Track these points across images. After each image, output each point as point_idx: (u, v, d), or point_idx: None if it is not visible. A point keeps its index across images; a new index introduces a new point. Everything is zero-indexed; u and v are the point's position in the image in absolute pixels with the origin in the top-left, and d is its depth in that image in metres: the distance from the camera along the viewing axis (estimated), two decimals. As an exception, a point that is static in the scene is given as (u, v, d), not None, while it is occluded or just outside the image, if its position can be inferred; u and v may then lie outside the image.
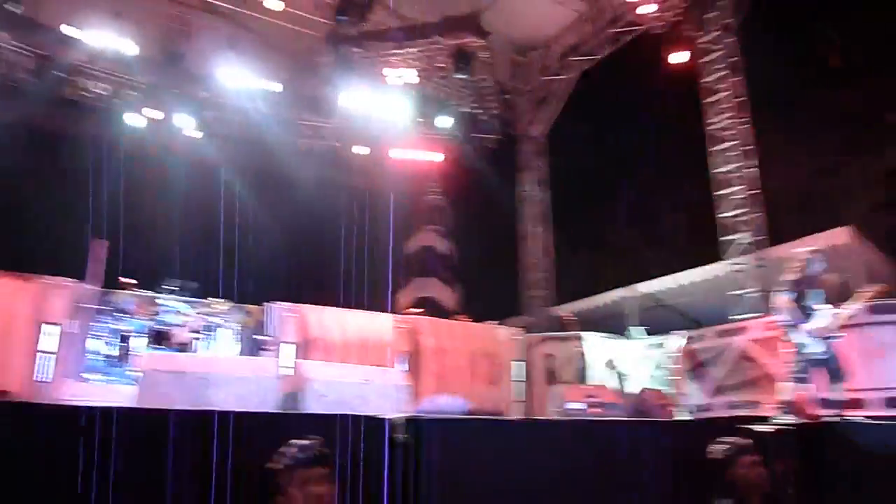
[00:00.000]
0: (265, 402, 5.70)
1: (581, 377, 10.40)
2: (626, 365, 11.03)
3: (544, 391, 10.81)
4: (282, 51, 14.85)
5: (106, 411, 3.23)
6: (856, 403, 7.32)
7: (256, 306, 10.55)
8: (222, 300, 10.11)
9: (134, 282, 9.97)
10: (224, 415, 3.49)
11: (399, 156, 15.83)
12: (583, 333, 11.27)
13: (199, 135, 14.14)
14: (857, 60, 11.95)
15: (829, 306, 6.44)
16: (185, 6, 13.48)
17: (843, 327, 6.49)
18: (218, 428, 3.42)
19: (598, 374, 10.86)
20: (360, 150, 15.50)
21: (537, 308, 15.51)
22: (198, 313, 9.78)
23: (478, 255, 16.19)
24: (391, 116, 14.73)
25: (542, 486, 4.09)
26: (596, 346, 11.12)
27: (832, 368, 6.38)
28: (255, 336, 9.70)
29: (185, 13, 13.47)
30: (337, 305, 10.31)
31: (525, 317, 15.44)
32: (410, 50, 13.39)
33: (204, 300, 10.19)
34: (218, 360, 7.47)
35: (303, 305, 9.62)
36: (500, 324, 11.67)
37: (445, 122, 15.37)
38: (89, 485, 3.06)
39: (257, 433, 3.59)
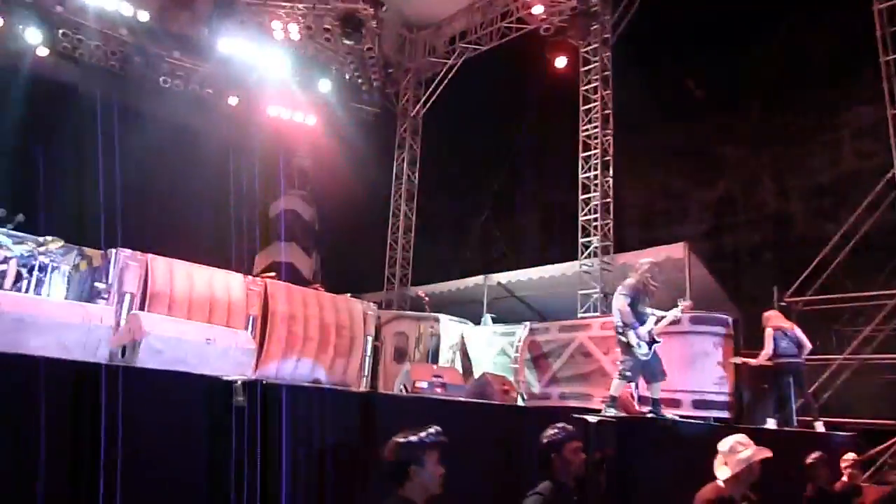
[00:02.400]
0: (93, 353, 5.24)
1: (430, 357, 10.58)
2: (473, 349, 11.38)
3: (392, 368, 10.89)
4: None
5: None
6: (672, 403, 8.07)
7: (95, 250, 9.68)
8: (55, 238, 9.13)
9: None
10: (41, 361, 3.16)
11: (273, 113, 15.19)
12: (437, 315, 11.47)
13: (46, 53, 12.70)
14: (709, 95, 13.07)
15: (655, 313, 7.04)
16: None
17: (665, 334, 7.14)
18: (30, 375, 3.09)
19: (446, 356, 11.11)
20: (232, 100, 14.68)
21: (395, 286, 15.59)
22: (24, 248, 8.78)
23: (341, 225, 15.96)
24: (269, 71, 14.08)
25: (376, 459, 4.11)
26: (448, 329, 11.36)
27: (653, 370, 6.99)
28: (95, 283, 8.88)
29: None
30: (187, 259, 9.69)
31: (381, 293, 15.47)
32: (298, 6, 12.82)
33: (34, 236, 9.17)
34: (41, 301, 6.75)
35: (149, 255, 8.97)
36: (355, 297, 11.58)
37: (325, 85, 14.94)
38: None
39: (80, 385, 3.29)
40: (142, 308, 8.46)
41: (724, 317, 9.25)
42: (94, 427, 3.24)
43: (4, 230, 8.68)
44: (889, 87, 9.78)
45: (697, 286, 10.66)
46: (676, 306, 7.17)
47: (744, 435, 4.11)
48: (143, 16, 12.84)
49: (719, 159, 14.06)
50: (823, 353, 10.11)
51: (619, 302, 6.86)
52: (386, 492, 3.00)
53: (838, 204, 12.19)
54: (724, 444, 4.05)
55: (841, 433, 7.92)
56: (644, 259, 7.44)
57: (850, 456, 6.25)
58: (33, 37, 12.38)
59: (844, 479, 6.03)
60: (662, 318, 6.99)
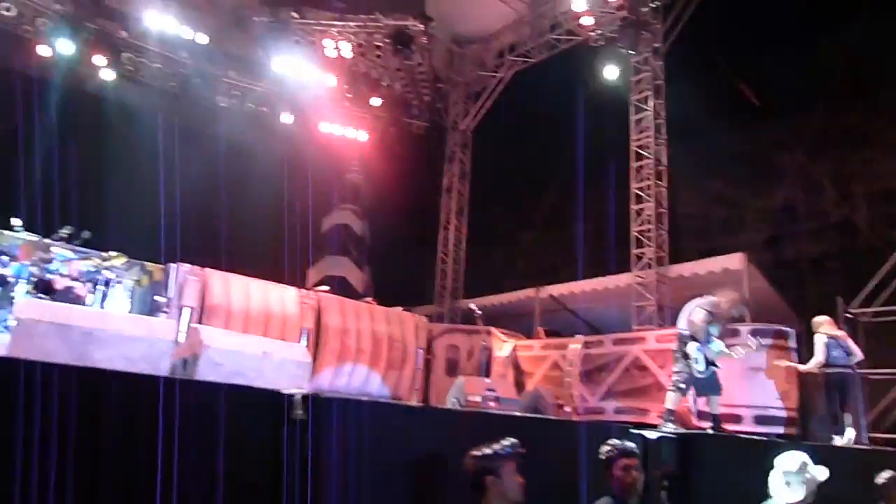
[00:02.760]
0: (156, 365, 5.38)
1: (482, 371, 10.52)
2: (525, 363, 11.26)
3: (444, 382, 10.86)
4: (212, 3, 14.16)
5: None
6: (733, 418, 7.80)
7: (156, 265, 10.00)
8: (119, 254, 9.48)
9: (19, 222, 9.20)
10: (108, 374, 3.25)
11: (325, 129, 15.47)
12: (488, 328, 11.41)
13: (112, 76, 13.26)
14: (766, 100, 12.67)
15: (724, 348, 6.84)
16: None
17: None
18: (98, 387, 3.18)
19: (498, 370, 11.03)
20: (286, 117, 15.02)
21: (446, 299, 15.59)
22: (90, 264, 9.14)
23: (393, 239, 16.08)
24: (321, 88, 14.36)
25: (438, 472, 4.08)
26: (499, 342, 11.28)
27: (710, 384, 6.79)
28: (155, 297, 9.18)
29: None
30: (243, 273, 9.91)
31: (433, 306, 15.49)
32: (349, 24, 13.05)
33: (99, 251, 9.54)
34: (107, 315, 7.00)
35: (207, 269, 9.21)
36: (407, 310, 11.62)
37: (376, 101, 15.14)
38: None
39: (144, 398, 3.37)
40: (200, 321, 8.67)
41: (787, 329, 8.92)
42: (151, 440, 3.31)
43: (71, 247, 9.04)
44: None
45: (757, 298, 10.32)
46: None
47: (804, 453, 3.93)
48: (202, 38, 13.29)
49: (778, 166, 13.61)
50: (894, 367, 9.63)
51: (699, 315, 6.70)
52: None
53: (907, 211, 11.65)
54: (789, 463, 3.90)
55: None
56: (730, 291, 7.18)
57: None
58: (99, 61, 12.94)
59: None
60: (727, 352, 6.80)
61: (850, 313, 9.92)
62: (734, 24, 12.41)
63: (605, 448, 3.70)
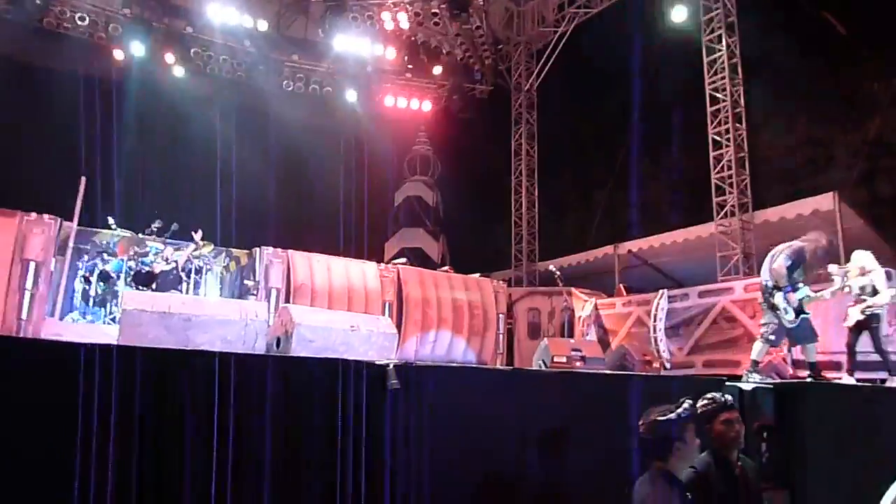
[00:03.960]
0: (251, 346, 5.68)
1: (565, 332, 10.51)
2: (608, 321, 11.18)
3: (527, 345, 10.94)
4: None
5: (105, 349, 3.19)
6: (833, 365, 7.52)
7: (242, 251, 10.46)
8: (207, 242, 9.98)
9: (112, 221, 9.81)
10: (222, 356, 3.48)
11: (389, 103, 15.59)
12: (568, 289, 11.36)
13: (182, 72, 13.78)
14: (851, 28, 11.82)
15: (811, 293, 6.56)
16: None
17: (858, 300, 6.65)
18: (214, 369, 3.41)
19: (581, 330, 11.00)
20: (350, 95, 15.22)
21: (523, 262, 15.58)
22: (182, 254, 9.66)
23: (466, 206, 16.14)
24: (383, 62, 14.44)
25: (530, 433, 4.18)
26: (581, 302, 11.23)
27: (803, 333, 6.52)
28: (244, 280, 9.64)
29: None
30: (323, 252, 10.24)
31: (510, 270, 15.52)
32: (405, -6, 13.04)
33: (188, 242, 10.07)
34: (203, 301, 7.40)
35: (290, 251, 9.56)
36: (485, 276, 11.71)
37: (437, 70, 15.10)
38: (88, 423, 3.05)
39: (251, 375, 3.60)
40: (287, 301, 9.04)
41: (888, 270, 8.45)
42: (259, 414, 3.52)
43: (163, 239, 9.56)
44: None
45: (852, 239, 9.80)
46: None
47: None
48: (262, 25, 13.59)
49: (867, 97, 12.74)
50: None
51: (779, 261, 6.42)
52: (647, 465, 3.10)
53: None
54: None
55: None
56: (815, 234, 6.85)
57: None
58: (170, 58, 13.46)
59: None
60: (816, 296, 6.52)
61: (958, 247, 9.31)
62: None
63: (702, 402, 3.59)
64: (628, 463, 4.75)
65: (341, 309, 9.22)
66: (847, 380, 6.97)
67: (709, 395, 3.68)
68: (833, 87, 13.36)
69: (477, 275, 11.60)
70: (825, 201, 10.15)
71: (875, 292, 6.72)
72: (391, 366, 3.65)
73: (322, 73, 14.90)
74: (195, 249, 9.81)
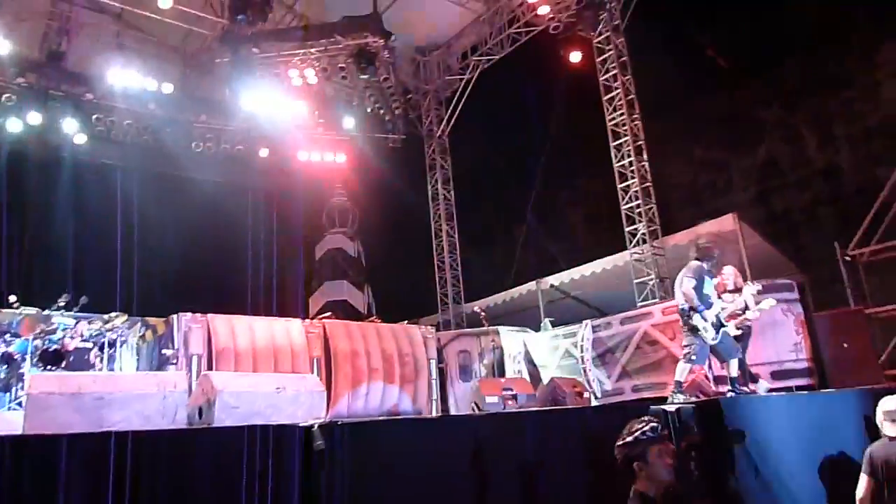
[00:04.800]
0: (172, 419, 5.41)
1: (496, 371, 10.54)
2: (538, 356, 11.29)
3: (460, 387, 10.89)
4: (173, 51, 14.24)
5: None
6: (751, 378, 7.83)
7: (159, 319, 10.03)
8: (119, 313, 9.51)
9: (15, 299, 9.22)
10: (124, 435, 3.28)
11: (304, 158, 15.51)
12: (496, 328, 11.44)
13: (84, 139, 13.29)
14: (736, 58, 12.74)
15: (724, 300, 6.89)
16: (64, 2, 12.60)
17: (732, 315, 6.98)
18: (119, 450, 3.20)
19: (512, 367, 11.05)
20: (263, 152, 15.06)
21: (449, 305, 15.61)
22: (93, 328, 9.16)
23: (388, 254, 16.13)
24: (293, 118, 14.41)
25: (463, 480, 4.12)
26: (509, 340, 11.31)
27: (725, 349, 6.80)
28: (162, 350, 9.20)
29: (66, 10, 12.59)
30: (245, 313, 9.96)
31: (437, 315, 15.52)
32: (311, 50, 13.10)
33: (100, 315, 9.56)
34: (117, 377, 7.02)
35: (209, 315, 9.23)
36: (412, 323, 11.65)
37: (349, 122, 15.20)
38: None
39: (165, 452, 3.40)
40: (209, 367, 8.69)
41: (789, 282, 8.98)
42: (180, 492, 3.33)
43: (71, 314, 9.05)
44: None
45: (755, 255, 10.38)
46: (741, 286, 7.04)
47: None
48: (167, 87, 13.33)
49: (757, 122, 13.71)
50: (898, 303, 9.70)
51: (685, 285, 6.70)
52: None
53: (888, 146, 11.74)
54: (888, 404, 4.65)
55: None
56: (702, 240, 7.28)
57: None
58: (70, 126, 12.97)
59: None
60: (727, 306, 6.83)
61: (848, 256, 9.99)
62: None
63: (629, 438, 3.30)
64: (572, 497, 4.75)
65: (267, 370, 8.94)
66: (762, 390, 7.29)
67: (640, 421, 3.68)
68: (724, 115, 14.31)
69: (405, 322, 11.53)
70: (727, 222, 10.71)
71: (746, 307, 7.13)
72: (315, 427, 3.54)
73: (232, 132, 14.70)
74: (108, 322, 9.32)
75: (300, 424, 3.67)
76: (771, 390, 7.66)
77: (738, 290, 7.26)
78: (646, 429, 3.16)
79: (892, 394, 4.94)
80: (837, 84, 12.91)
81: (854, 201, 11.82)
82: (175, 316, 9.13)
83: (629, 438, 3.10)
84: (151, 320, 10.24)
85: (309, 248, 16.35)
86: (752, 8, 12.47)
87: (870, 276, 10.10)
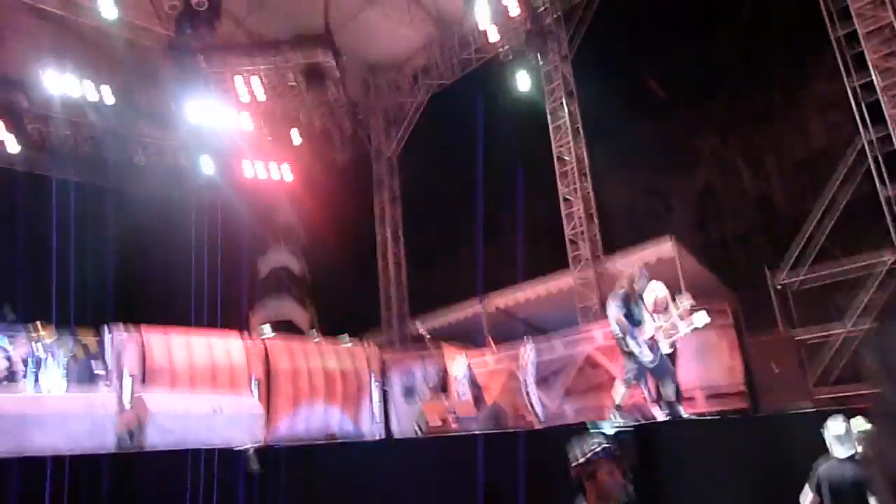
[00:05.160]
0: (100, 441, 5.17)
1: (440, 392, 10.50)
2: (481, 377, 11.29)
3: (404, 409, 10.78)
4: (116, 60, 13.85)
5: None
6: (686, 400, 8.01)
7: (90, 334, 9.60)
8: (47, 329, 9.04)
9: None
10: (50, 459, 3.11)
11: (249, 173, 15.26)
12: (440, 348, 11.41)
13: (18, 149, 12.75)
14: (676, 89, 13.20)
15: (655, 317, 7.02)
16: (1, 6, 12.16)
17: (667, 335, 7.11)
18: (41, 472, 3.03)
19: (455, 388, 11.01)
20: (207, 166, 14.73)
21: (394, 325, 15.52)
22: (20, 345, 8.69)
23: (333, 272, 15.94)
24: (239, 132, 14.19)
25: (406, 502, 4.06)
26: (453, 360, 11.29)
27: (662, 371, 6.93)
28: (93, 368, 8.80)
29: (2, 15, 12.14)
30: (183, 328, 9.62)
31: (382, 334, 15.39)
32: (259, 65, 12.97)
33: (27, 330, 9.08)
34: (42, 397, 6.69)
35: (144, 331, 8.90)
36: (357, 342, 11.51)
37: (296, 139, 15.07)
38: None
39: (91, 476, 3.24)
40: (143, 384, 8.36)
41: (723, 306, 9.27)
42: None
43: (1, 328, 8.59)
44: (844, 61, 9.98)
45: (691, 280, 10.68)
46: (672, 307, 7.16)
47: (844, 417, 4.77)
48: (109, 98, 12.95)
49: (694, 152, 14.20)
50: (826, 328, 10.13)
51: (613, 312, 6.84)
52: None
53: (816, 178, 12.32)
54: (836, 428, 4.83)
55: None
56: (631, 267, 7.46)
57: None
58: (3, 134, 12.44)
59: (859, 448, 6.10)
60: (660, 325, 6.95)
61: (779, 284, 10.41)
62: (635, 22, 12.94)
63: (577, 450, 3.57)
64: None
65: (205, 389, 8.65)
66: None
67: (588, 443, 3.70)
68: (663, 144, 14.78)
69: (347, 339, 11.38)
70: (666, 247, 11.01)
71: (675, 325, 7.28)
72: (251, 450, 3.44)
73: (176, 145, 14.36)
74: (35, 339, 8.86)
75: (235, 448, 3.56)
76: (704, 413, 7.85)
77: (664, 309, 7.29)
78: (596, 448, 3.20)
79: (842, 415, 5.12)
80: (768, 118, 13.53)
81: (785, 231, 12.33)
82: (107, 331, 8.76)
83: (581, 459, 3.14)
84: (82, 337, 9.80)
85: (252, 264, 16.03)
86: (686, 41, 12.98)
87: (798, 302, 10.53)
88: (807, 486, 5.09)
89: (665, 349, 6.92)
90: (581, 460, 3.15)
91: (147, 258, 14.07)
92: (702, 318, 7.09)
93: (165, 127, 13.99)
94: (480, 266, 15.71)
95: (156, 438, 5.04)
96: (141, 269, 13.89)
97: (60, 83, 12.21)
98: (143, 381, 8.57)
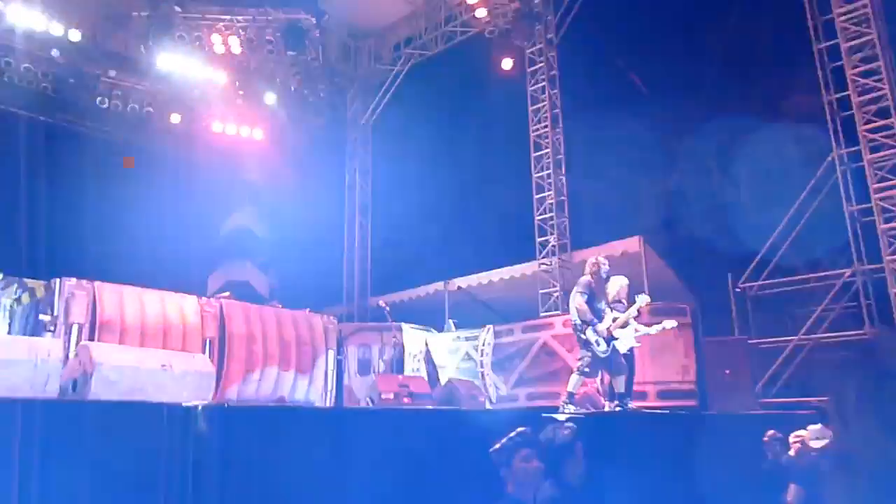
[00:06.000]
0: (41, 389, 5.09)
1: (395, 368, 10.56)
2: (438, 356, 11.39)
3: (358, 382, 10.83)
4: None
5: None
6: (638, 395, 8.22)
7: (38, 281, 9.38)
8: (-10, 268, 8.82)
9: None
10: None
11: (218, 129, 14.97)
12: (399, 324, 11.45)
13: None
14: (657, 87, 13.33)
15: (613, 311, 7.16)
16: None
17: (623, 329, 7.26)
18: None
19: (411, 366, 11.10)
20: (174, 117, 14.40)
21: (355, 297, 15.50)
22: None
23: (298, 239, 15.79)
24: (211, 86, 13.89)
25: (350, 474, 4.10)
26: (411, 338, 11.35)
27: (614, 364, 7.09)
28: (39, 315, 8.61)
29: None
30: (138, 285, 9.45)
31: (342, 306, 15.36)
32: (237, 18, 12.67)
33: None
34: (-16, 340, 6.53)
35: (96, 283, 8.73)
36: (315, 312, 11.46)
37: (270, 98, 14.82)
38: None
39: (35, 422, 3.20)
40: (91, 339, 8.22)
41: (683, 306, 9.49)
42: (44, 464, 3.14)
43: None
44: (823, 75, 10.20)
45: (654, 278, 10.91)
46: (634, 303, 7.30)
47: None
48: (75, 35, 12.51)
49: (670, 151, 14.39)
50: (780, 336, 10.46)
51: (577, 300, 6.97)
52: None
53: (785, 188, 12.62)
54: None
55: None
56: (592, 257, 7.59)
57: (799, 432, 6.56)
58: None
59: (791, 452, 6.40)
60: (618, 316, 7.09)
61: (739, 288, 10.68)
62: (623, 14, 13.00)
63: (507, 437, 3.49)
64: (457, 496, 4.81)
65: (155, 347, 8.55)
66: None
67: (517, 432, 3.76)
68: (640, 139, 14.94)
69: (307, 310, 11.33)
70: (632, 244, 11.20)
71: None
72: (200, 407, 3.43)
73: (143, 92, 13.98)
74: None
75: (184, 404, 3.54)
76: (655, 408, 8.06)
77: (623, 299, 7.48)
78: (513, 435, 3.25)
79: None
80: (745, 124, 13.77)
81: (750, 237, 12.65)
82: (57, 280, 8.58)
83: (497, 445, 3.20)
84: (30, 282, 9.55)
85: (214, 223, 15.78)
86: (672, 40, 13.10)
87: (756, 308, 10.83)
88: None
89: (631, 344, 7.07)
90: (497, 446, 3.20)
91: (104, 207, 13.70)
92: (670, 324, 7.35)
93: (133, 72, 13.60)
94: (446, 246, 15.77)
95: (101, 390, 4.97)
96: (97, 217, 13.53)
97: (23, 14, 11.76)
98: (92, 332, 8.43)
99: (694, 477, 6.14)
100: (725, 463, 6.30)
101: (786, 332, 10.74)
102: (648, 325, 7.30)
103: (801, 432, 6.57)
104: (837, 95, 10.13)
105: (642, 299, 7.24)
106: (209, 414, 3.44)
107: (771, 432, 6.30)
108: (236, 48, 13.06)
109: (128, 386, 5.18)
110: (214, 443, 3.42)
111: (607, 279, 7.28)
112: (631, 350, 7.19)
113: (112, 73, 13.59)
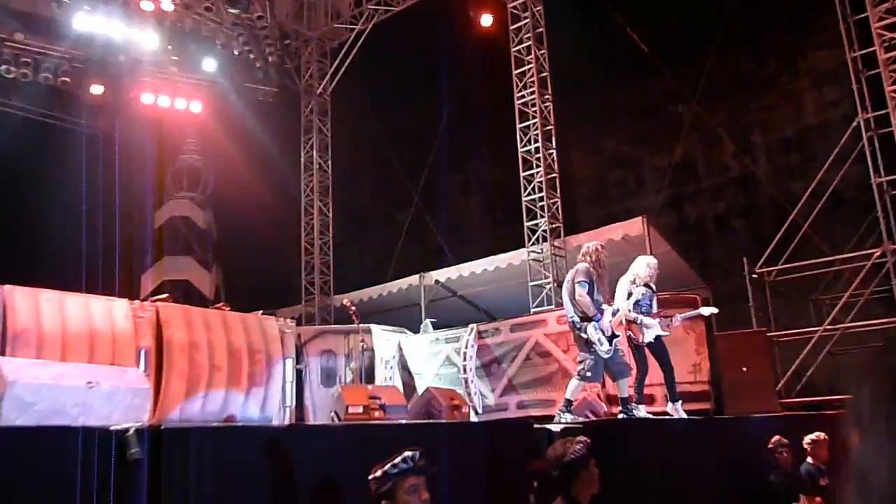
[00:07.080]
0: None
1: (364, 377, 10.51)
2: (414, 362, 11.36)
3: (321, 394, 10.75)
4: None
5: None
6: (646, 399, 8.25)
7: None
8: None
9: None
10: None
11: (148, 101, 14.71)
12: (367, 326, 11.37)
13: None
14: (658, 48, 13.35)
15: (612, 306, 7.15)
16: None
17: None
18: None
19: (383, 373, 11.05)
20: (96, 88, 14.13)
21: (315, 296, 15.41)
22: None
23: (246, 230, 15.65)
24: (139, 51, 13.64)
25: (310, 500, 4.05)
26: (382, 341, 11.29)
27: (617, 366, 7.05)
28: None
29: None
30: (56, 287, 9.29)
31: (300, 306, 15.27)
32: (169, -31, 12.47)
33: None
34: None
35: (7, 286, 8.54)
36: (268, 314, 11.36)
37: (209, 64, 14.60)
38: None
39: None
40: (2, 352, 8.06)
41: (693, 296, 9.53)
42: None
43: None
44: (846, 29, 10.26)
45: (660, 264, 10.92)
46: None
47: None
48: (-26, -7, 12.22)
49: (674, 120, 14.46)
50: (802, 327, 10.58)
51: (577, 290, 6.79)
52: None
53: (805, 159, 12.76)
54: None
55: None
56: (591, 242, 7.54)
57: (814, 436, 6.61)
58: None
59: (809, 459, 6.46)
60: (619, 311, 7.08)
61: (755, 273, 10.77)
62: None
63: (576, 447, 3.60)
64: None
65: (80, 360, 8.40)
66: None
67: (580, 439, 3.68)
68: (640, 107, 15.00)
69: (259, 312, 11.23)
70: (635, 226, 11.21)
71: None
72: (132, 431, 3.35)
73: (57, 59, 13.68)
74: None
75: (112, 428, 3.46)
76: (664, 414, 8.10)
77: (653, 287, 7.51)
78: (397, 461, 3.12)
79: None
80: (758, 87, 13.88)
81: (768, 215, 12.77)
82: (-40, 284, 8.38)
83: (378, 472, 3.09)
84: (-72, 287, 9.34)
85: (147, 212, 15.57)
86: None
87: (775, 297, 10.94)
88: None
89: (658, 332, 7.06)
90: (377, 473, 3.11)
91: (13, 195, 13.45)
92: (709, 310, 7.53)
93: (46, 35, 13.31)
94: (420, 234, 15.72)
95: (12, 413, 4.86)
96: (6, 207, 13.28)
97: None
98: (2, 345, 8.27)
99: (710, 494, 6.21)
100: (742, 473, 6.38)
101: (810, 322, 10.87)
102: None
103: (813, 436, 6.64)
104: (862, 51, 10.21)
105: (707, 310, 7.43)
106: (144, 438, 3.36)
107: (776, 438, 6.31)
108: (168, 5, 12.83)
109: (47, 407, 5.08)
110: (151, 473, 3.36)
111: (604, 262, 7.20)
112: (657, 339, 7.14)
113: (19, 35, 13.29)
